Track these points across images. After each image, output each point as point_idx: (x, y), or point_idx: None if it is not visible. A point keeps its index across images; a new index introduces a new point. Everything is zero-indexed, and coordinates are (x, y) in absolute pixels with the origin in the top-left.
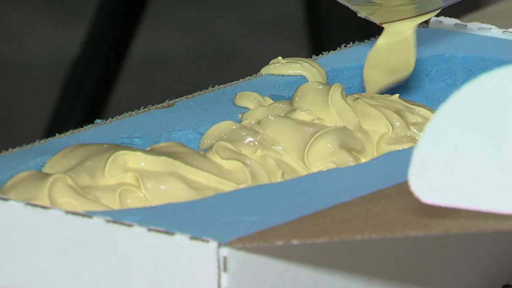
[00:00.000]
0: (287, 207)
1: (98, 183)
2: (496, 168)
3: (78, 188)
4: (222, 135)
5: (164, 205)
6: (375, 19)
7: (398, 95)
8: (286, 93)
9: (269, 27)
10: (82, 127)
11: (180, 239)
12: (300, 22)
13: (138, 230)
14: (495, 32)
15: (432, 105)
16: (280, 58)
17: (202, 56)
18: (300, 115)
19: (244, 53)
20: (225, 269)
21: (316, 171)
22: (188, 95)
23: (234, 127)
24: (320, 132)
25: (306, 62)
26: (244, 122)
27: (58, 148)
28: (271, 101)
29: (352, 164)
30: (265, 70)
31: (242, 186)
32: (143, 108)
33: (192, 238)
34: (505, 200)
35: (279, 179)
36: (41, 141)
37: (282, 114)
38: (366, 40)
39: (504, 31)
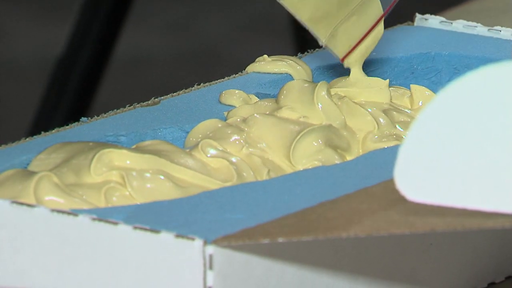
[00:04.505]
0: (272, 205)
1: (84, 181)
2: (481, 166)
3: (64, 186)
4: (208, 133)
5: (149, 203)
6: (334, 48)
7: None
8: (271, 91)
9: (255, 25)
10: (67, 125)
11: (166, 237)
12: (286, 20)
13: (124, 228)
14: (480, 30)
15: None
16: (265, 56)
17: (188, 54)
18: (286, 113)
19: (230, 51)
20: (210, 267)
21: (301, 169)
22: (173, 93)
23: (220, 125)
24: (306, 130)
25: (291, 60)
26: (229, 120)
27: (44, 146)
28: (257, 99)
29: (337, 162)
30: (250, 68)
31: (228, 184)
32: (129, 106)
33: (177, 236)
34: (491, 198)
35: (264, 177)
36: (27, 139)
37: (267, 112)
38: None
39: (489, 29)
